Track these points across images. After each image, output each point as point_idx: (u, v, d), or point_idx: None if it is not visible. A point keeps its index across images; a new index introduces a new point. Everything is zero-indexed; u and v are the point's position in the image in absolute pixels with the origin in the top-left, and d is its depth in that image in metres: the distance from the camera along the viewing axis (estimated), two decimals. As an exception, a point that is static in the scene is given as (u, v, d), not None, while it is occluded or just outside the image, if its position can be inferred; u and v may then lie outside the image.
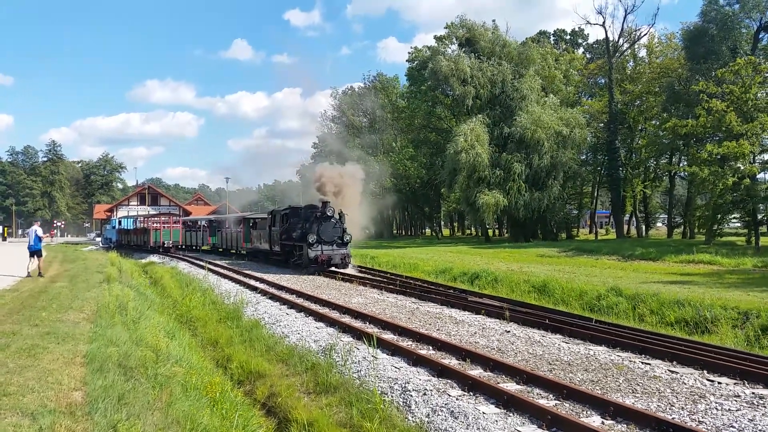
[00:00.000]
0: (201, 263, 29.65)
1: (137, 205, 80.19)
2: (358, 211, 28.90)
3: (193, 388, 7.98)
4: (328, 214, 23.90)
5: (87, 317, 10.89)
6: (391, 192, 50.99)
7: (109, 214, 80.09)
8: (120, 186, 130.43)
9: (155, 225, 45.21)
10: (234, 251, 36.92)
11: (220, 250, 39.98)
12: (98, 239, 74.64)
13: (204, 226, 45.13)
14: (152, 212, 61.56)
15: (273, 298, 17.60)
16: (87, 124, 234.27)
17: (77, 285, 16.41)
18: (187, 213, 73.23)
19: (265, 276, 23.00)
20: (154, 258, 39.34)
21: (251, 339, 12.18)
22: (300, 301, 16.53)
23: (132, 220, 55.04)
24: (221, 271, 26.40)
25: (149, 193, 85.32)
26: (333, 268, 23.55)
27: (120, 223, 58.75)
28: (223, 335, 12.89)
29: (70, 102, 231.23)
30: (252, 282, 21.57)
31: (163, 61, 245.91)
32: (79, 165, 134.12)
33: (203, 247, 44.23)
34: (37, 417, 5.27)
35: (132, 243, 50.40)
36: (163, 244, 43.49)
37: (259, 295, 18.45)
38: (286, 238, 25.73)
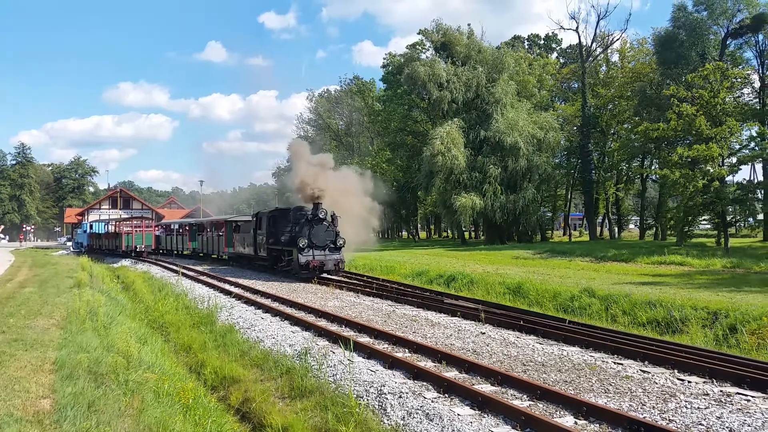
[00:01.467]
0: (175, 267, 29.20)
1: (109, 209, 78.84)
2: (362, 228, 26.26)
3: (165, 394, 7.87)
4: (320, 216, 22.10)
5: (57, 323, 10.67)
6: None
7: (80, 218, 78.70)
8: (92, 189, 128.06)
9: (127, 229, 44.56)
10: (215, 256, 36.20)
11: (201, 254, 39.24)
12: (69, 244, 73.29)
13: (183, 229, 44.43)
14: (124, 216, 60.66)
15: (248, 302, 17.44)
16: (58, 126, 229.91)
17: (47, 290, 16.06)
18: (160, 216, 72.18)
19: (240, 280, 22.75)
20: (126, 262, 38.75)
21: (225, 344, 12.05)
22: (275, 305, 16.41)
23: (103, 224, 54.21)
24: (196, 276, 26.04)
25: (121, 197, 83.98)
26: (325, 274, 22.15)
27: (91, 227, 57.74)
28: (196, 340, 12.72)
29: (41, 104, 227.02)
30: (227, 286, 21.33)
31: (136, 63, 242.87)
32: (50, 168, 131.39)
33: (184, 252, 43.39)
34: (2, 426, 5.14)
35: (103, 247, 49.60)
36: (136, 248, 42.90)
37: (233, 299, 18.26)
38: (274, 242, 24.29)
